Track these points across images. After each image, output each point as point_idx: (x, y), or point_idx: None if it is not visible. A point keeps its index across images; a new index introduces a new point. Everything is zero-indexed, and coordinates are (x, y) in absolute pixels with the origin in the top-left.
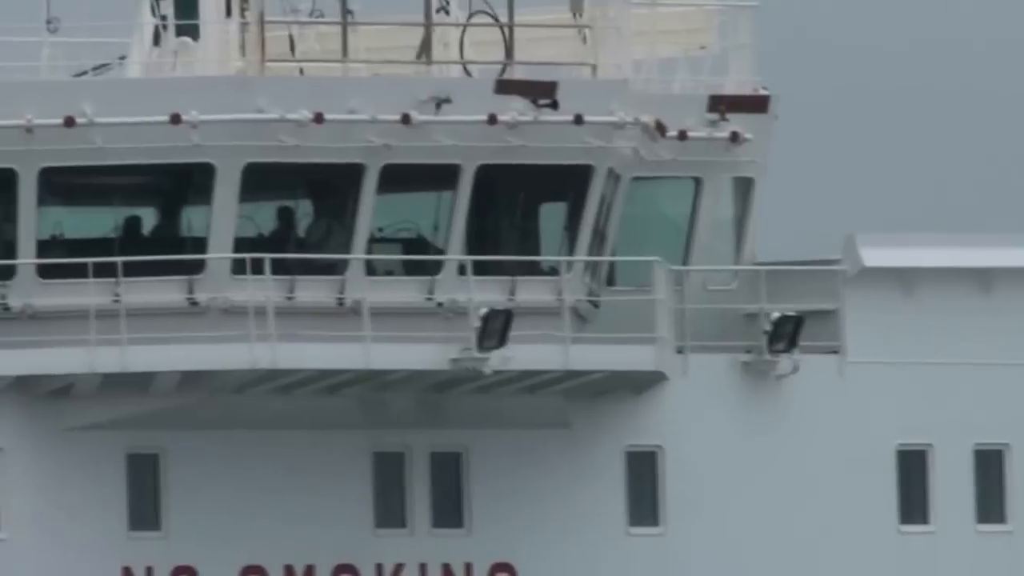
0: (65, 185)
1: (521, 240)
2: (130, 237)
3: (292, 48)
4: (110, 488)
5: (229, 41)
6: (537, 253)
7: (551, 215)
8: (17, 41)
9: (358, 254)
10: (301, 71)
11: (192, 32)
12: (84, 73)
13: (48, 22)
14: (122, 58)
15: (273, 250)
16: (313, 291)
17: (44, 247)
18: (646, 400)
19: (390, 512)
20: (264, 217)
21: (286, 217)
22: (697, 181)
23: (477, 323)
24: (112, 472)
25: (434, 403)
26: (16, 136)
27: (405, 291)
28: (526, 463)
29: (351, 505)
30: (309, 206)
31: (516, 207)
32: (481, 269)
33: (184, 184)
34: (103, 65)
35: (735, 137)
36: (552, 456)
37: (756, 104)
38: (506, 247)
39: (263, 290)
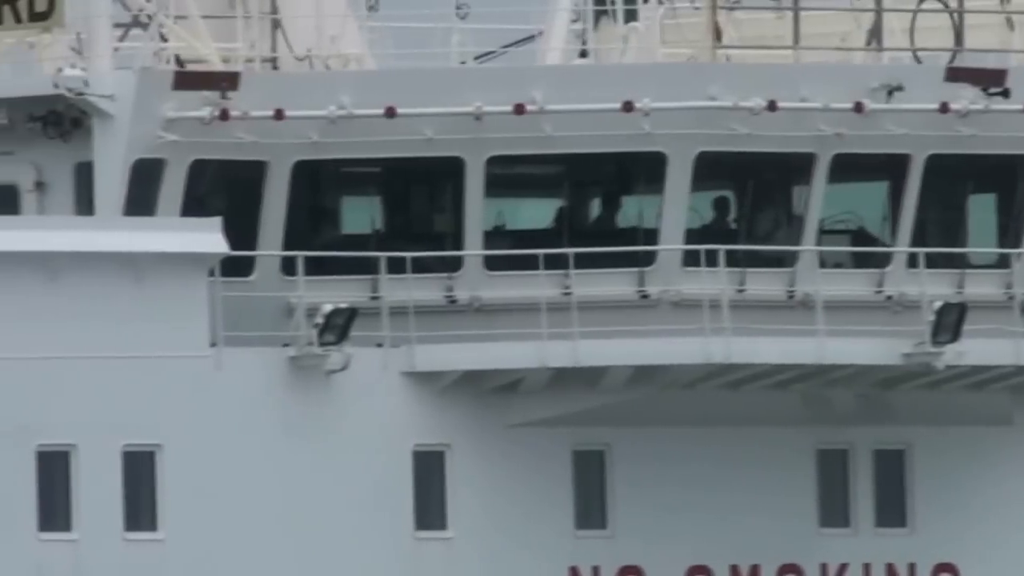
0: (510, 174)
1: (953, 232)
2: (570, 227)
3: (719, 35)
4: (556, 486)
5: (652, 28)
6: (965, 244)
7: (978, 205)
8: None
9: (809, 246)
10: (727, 58)
11: (632, 18)
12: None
13: (458, 8)
14: (511, 45)
15: (716, 241)
16: (764, 283)
17: (488, 238)
18: None
19: (834, 511)
20: (705, 207)
21: (730, 207)
22: None
23: (931, 317)
24: (558, 469)
25: (878, 399)
26: (464, 124)
27: (854, 284)
28: (969, 461)
29: (795, 504)
30: (755, 196)
31: (954, 198)
32: (927, 262)
33: (630, 173)
34: (487, 54)
35: None
36: (995, 454)
37: None
38: (935, 239)
39: (717, 283)
